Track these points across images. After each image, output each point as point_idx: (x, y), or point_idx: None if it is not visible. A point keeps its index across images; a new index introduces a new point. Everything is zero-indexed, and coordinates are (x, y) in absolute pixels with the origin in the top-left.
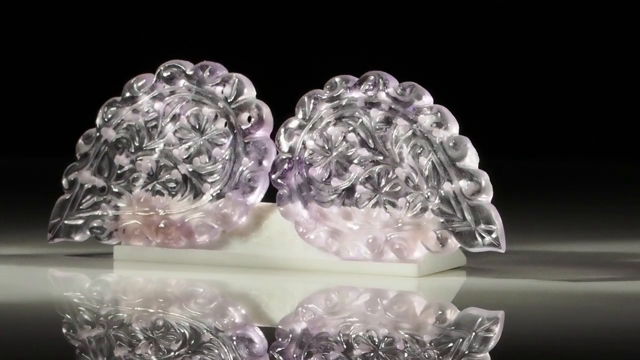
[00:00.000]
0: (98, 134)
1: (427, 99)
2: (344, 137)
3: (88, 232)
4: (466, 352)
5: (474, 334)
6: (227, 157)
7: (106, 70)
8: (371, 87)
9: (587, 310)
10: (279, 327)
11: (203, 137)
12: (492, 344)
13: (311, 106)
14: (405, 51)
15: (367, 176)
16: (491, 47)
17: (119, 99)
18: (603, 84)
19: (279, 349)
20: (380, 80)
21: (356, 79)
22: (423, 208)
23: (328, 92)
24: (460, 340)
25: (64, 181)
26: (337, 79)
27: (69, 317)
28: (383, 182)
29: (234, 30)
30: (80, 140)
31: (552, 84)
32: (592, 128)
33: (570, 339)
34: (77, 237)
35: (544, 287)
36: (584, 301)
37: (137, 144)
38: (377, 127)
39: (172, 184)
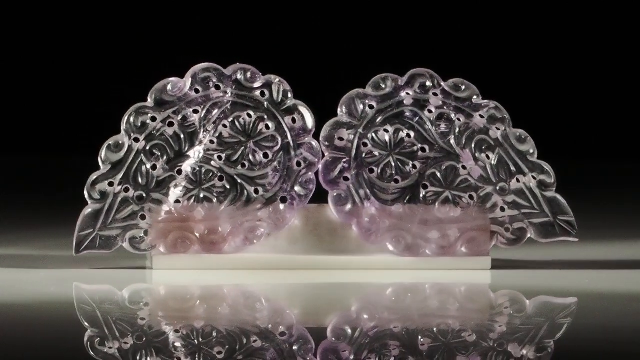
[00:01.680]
0: (129, 142)
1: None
2: (402, 135)
3: (126, 243)
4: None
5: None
6: (278, 160)
7: (102, 70)
8: (424, 84)
9: None
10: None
11: (251, 141)
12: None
13: (361, 106)
14: (403, 48)
15: (431, 172)
16: (494, 45)
17: (149, 104)
18: (600, 85)
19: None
20: (433, 77)
21: (401, 77)
22: (495, 202)
23: (375, 91)
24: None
25: (92, 191)
26: (385, 78)
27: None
28: (451, 178)
29: (233, 30)
30: (106, 149)
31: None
32: (593, 127)
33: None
34: (113, 249)
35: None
36: None
37: (176, 150)
38: (436, 124)
39: (220, 189)
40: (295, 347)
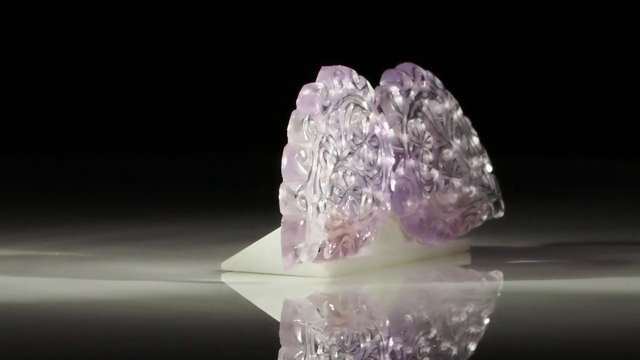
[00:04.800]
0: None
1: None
2: (424, 128)
3: (315, 251)
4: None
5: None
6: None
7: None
8: (423, 78)
9: (575, 311)
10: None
11: (366, 144)
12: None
13: (396, 100)
14: (378, 44)
15: (437, 160)
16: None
17: (315, 110)
18: (592, 84)
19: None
20: (423, 71)
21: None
22: (478, 185)
23: (398, 86)
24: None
25: (298, 202)
26: (401, 72)
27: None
28: (454, 166)
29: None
30: (299, 160)
31: (537, 81)
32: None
33: (561, 340)
34: (314, 259)
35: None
36: (574, 301)
37: (337, 155)
38: (439, 115)
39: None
40: None
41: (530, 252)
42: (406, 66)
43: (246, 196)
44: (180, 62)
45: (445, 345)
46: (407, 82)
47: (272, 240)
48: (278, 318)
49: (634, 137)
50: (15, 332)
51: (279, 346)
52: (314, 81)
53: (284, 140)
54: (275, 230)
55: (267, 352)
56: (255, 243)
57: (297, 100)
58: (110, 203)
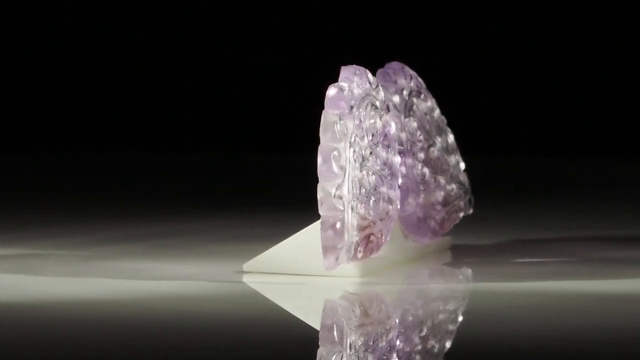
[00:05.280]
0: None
1: None
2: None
3: (352, 251)
4: None
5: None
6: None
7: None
8: (411, 77)
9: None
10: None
11: (380, 143)
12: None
13: (394, 99)
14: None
15: (427, 158)
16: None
17: (344, 110)
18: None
19: None
20: (410, 70)
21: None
22: (456, 182)
23: (393, 85)
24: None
25: (337, 202)
26: (395, 71)
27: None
28: (438, 164)
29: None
30: (334, 159)
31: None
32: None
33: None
34: (347, 258)
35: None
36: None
37: (363, 155)
38: (425, 113)
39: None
40: None
41: (530, 252)
42: (396, 65)
43: (251, 196)
44: (180, 62)
45: (444, 344)
46: (400, 81)
47: (299, 241)
48: (316, 319)
49: (634, 137)
50: (15, 333)
51: (317, 347)
52: (315, 80)
53: (284, 141)
54: (302, 231)
55: (306, 353)
56: (279, 244)
57: (326, 101)
58: (111, 203)
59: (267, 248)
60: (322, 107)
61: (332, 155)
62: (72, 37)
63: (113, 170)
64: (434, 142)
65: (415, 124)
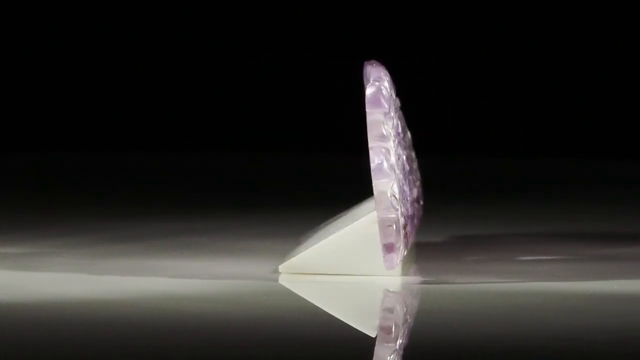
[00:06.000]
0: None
1: None
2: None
3: (404, 249)
4: None
5: None
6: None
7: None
8: (387, 75)
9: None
10: None
11: (400, 143)
12: None
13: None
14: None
15: (408, 155)
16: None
17: (386, 110)
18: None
19: None
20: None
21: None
22: (418, 179)
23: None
24: None
25: (391, 201)
26: (382, 70)
27: None
28: (415, 165)
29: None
30: (385, 159)
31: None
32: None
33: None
34: (402, 256)
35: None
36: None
37: (399, 154)
38: (399, 110)
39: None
40: None
41: (529, 251)
42: (376, 63)
43: (259, 196)
44: (180, 62)
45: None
46: (385, 78)
47: (339, 241)
48: (374, 317)
49: (634, 137)
50: (15, 333)
51: (373, 344)
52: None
53: (284, 141)
54: (341, 232)
55: (362, 353)
56: (316, 245)
57: (367, 101)
58: (111, 203)
59: (267, 248)
60: (322, 107)
61: (382, 155)
62: (72, 37)
63: (113, 170)
64: (407, 138)
65: (398, 121)
